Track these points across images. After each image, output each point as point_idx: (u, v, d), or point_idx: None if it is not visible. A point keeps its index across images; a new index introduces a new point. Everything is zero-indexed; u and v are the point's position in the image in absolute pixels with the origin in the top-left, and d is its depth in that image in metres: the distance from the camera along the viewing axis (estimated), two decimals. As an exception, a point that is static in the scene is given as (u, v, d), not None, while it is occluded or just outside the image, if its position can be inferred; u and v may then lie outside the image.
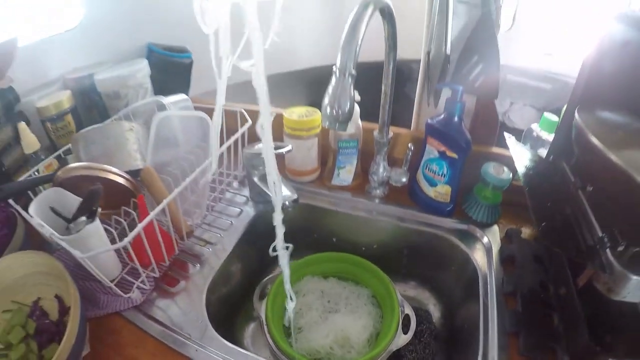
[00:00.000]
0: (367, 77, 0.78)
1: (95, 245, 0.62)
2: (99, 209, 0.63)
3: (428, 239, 0.86)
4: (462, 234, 0.83)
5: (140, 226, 0.60)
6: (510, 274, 0.72)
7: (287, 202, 0.78)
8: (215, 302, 0.73)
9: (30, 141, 0.79)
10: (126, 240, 0.57)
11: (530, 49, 1.29)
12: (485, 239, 0.81)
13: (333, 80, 0.56)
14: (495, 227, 0.83)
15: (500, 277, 0.73)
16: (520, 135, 0.91)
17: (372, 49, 0.76)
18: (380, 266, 0.81)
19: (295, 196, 0.80)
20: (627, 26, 0.59)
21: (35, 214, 0.60)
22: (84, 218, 0.61)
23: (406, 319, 0.76)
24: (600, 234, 0.54)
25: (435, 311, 0.89)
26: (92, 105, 0.97)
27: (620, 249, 0.51)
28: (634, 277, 0.49)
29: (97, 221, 0.63)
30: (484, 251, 0.79)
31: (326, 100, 0.57)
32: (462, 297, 0.80)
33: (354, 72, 0.55)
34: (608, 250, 0.52)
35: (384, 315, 0.77)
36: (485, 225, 0.83)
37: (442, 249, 0.85)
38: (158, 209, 0.65)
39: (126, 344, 0.62)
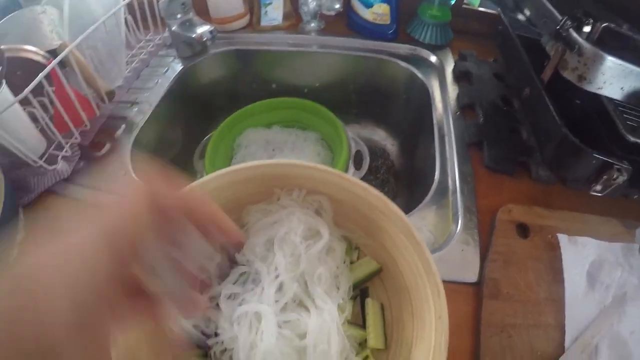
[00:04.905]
0: None
1: (11, 117, 0.52)
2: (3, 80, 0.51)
3: (373, 68, 0.80)
4: (409, 58, 0.78)
5: (41, 75, 0.50)
6: (467, 89, 0.68)
7: (205, 37, 0.72)
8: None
9: None
10: (26, 91, 0.47)
11: None
12: (434, 59, 0.76)
13: None
14: (447, 50, 0.78)
15: (455, 92, 0.69)
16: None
17: None
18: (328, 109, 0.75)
19: (211, 27, 0.72)
20: None
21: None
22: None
23: (359, 156, 0.74)
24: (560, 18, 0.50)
25: (392, 149, 0.87)
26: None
27: (586, 28, 0.48)
28: (609, 58, 0.44)
29: (5, 88, 0.51)
30: (436, 72, 0.74)
31: None
32: (418, 127, 0.77)
33: None
34: (571, 30, 0.47)
35: (334, 153, 0.74)
36: (435, 48, 0.78)
37: (389, 77, 0.79)
38: (59, 57, 0.53)
39: (60, 218, 0.54)
